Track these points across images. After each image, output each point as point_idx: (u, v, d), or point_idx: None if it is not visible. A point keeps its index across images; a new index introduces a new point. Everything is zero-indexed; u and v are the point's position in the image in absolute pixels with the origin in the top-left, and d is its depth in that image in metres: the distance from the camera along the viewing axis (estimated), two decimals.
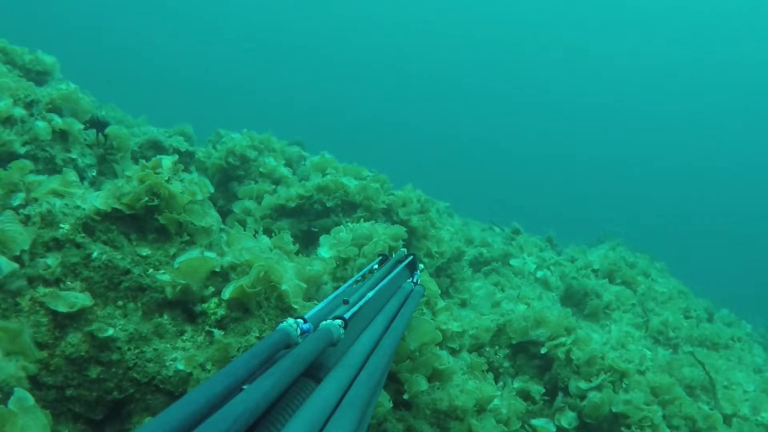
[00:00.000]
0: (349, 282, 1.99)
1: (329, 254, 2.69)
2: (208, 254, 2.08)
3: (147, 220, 2.10)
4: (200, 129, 6.16)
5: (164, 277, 1.99)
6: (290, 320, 1.26)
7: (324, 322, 1.34)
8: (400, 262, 2.29)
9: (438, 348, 2.35)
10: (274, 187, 4.34)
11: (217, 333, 1.98)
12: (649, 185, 46.82)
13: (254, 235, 2.37)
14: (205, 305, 2.04)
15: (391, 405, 2.10)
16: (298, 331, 1.25)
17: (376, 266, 2.41)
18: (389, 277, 1.98)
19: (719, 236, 38.12)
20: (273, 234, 2.58)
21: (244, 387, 1.00)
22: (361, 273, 2.30)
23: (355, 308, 1.48)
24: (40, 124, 2.87)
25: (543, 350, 3.46)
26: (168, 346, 1.97)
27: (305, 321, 1.30)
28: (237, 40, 49.84)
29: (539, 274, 5.98)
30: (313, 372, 1.25)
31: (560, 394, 3.34)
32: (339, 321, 1.35)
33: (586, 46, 52.63)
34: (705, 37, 48.78)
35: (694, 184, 47.67)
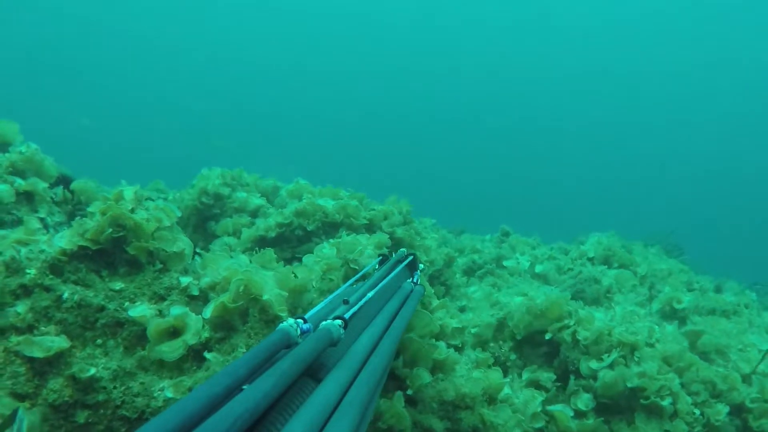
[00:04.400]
0: (350, 282, 1.99)
1: (311, 259, 2.63)
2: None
3: (116, 254, 2.05)
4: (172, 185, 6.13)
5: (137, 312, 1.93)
6: (290, 320, 1.25)
7: (324, 322, 1.33)
8: (400, 262, 2.28)
9: (434, 340, 2.29)
10: (251, 219, 4.29)
11: (211, 356, 1.91)
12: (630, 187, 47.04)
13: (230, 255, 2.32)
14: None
15: None
16: (298, 331, 1.24)
17: (376, 266, 2.40)
18: (389, 277, 1.98)
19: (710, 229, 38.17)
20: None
21: (244, 387, 0.99)
22: (361, 273, 2.30)
23: (355, 308, 1.49)
24: (3, 187, 2.83)
25: (548, 336, 3.38)
26: (154, 377, 1.89)
27: (305, 321, 1.29)
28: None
29: (536, 269, 5.93)
30: (313, 372, 1.25)
31: (572, 377, 3.26)
32: (339, 321, 1.35)
33: (580, 46, 52.66)
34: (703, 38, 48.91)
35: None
